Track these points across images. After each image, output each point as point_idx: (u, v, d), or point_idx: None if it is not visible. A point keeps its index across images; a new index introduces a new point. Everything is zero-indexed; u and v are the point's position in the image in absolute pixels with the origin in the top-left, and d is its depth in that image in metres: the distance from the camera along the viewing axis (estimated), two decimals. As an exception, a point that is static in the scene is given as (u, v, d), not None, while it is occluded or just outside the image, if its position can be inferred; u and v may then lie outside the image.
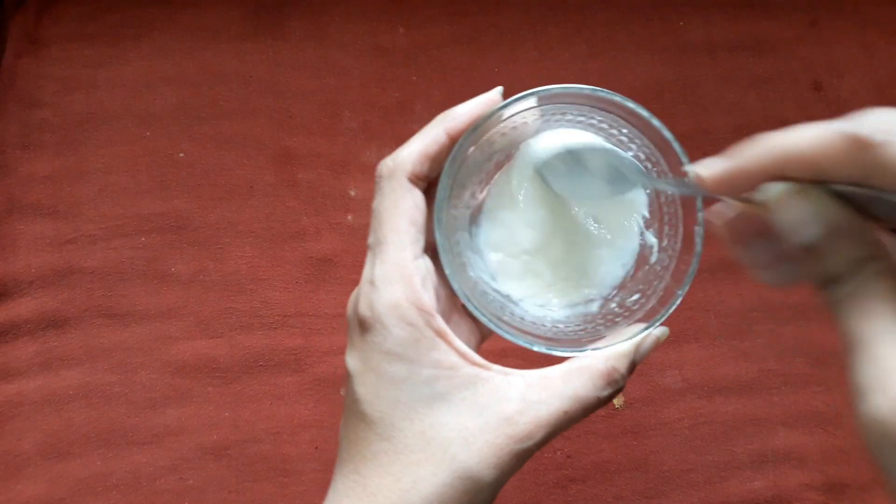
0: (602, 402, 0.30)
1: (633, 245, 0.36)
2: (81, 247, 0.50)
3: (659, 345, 0.32)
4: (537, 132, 0.34)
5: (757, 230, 0.27)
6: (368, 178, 0.52)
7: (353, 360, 0.30)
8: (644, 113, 0.31)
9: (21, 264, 0.50)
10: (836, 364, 0.50)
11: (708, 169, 0.26)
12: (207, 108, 0.53)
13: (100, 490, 0.47)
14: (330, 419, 0.48)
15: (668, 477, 0.48)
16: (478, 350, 0.34)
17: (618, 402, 0.49)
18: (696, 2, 0.56)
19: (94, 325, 0.49)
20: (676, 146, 0.31)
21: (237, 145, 0.53)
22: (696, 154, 0.28)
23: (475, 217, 0.36)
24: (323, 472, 0.47)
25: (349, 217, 0.52)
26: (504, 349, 0.36)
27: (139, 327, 0.49)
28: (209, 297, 0.50)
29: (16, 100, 0.53)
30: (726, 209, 0.28)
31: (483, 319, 0.31)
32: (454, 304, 0.33)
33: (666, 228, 0.34)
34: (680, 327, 0.50)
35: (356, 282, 0.32)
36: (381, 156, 0.34)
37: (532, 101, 0.32)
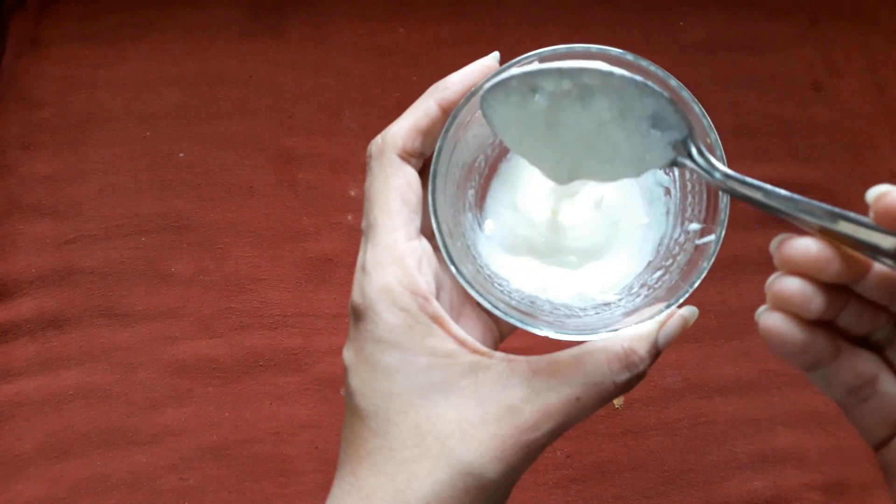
0: (620, 389, 0.27)
1: (654, 237, 0.33)
2: (81, 247, 0.50)
3: (687, 326, 0.28)
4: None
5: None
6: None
7: (348, 353, 0.29)
8: (660, 72, 0.28)
9: (21, 264, 0.50)
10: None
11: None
12: (207, 108, 0.53)
13: (100, 490, 0.46)
14: (330, 419, 0.48)
15: (668, 477, 0.48)
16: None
17: (618, 402, 0.49)
18: (696, 2, 0.56)
19: (94, 325, 0.49)
20: (697, 107, 0.28)
21: (237, 145, 0.53)
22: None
23: (481, 197, 0.33)
24: (323, 472, 0.47)
25: (349, 217, 0.52)
26: (519, 349, 0.35)
27: (139, 327, 0.49)
28: (209, 297, 0.50)
29: (16, 100, 0.53)
30: (814, 247, 0.22)
31: (485, 303, 0.28)
32: (466, 295, 0.31)
33: (689, 198, 0.31)
34: (680, 327, 0.50)
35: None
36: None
37: (533, 67, 0.29)
